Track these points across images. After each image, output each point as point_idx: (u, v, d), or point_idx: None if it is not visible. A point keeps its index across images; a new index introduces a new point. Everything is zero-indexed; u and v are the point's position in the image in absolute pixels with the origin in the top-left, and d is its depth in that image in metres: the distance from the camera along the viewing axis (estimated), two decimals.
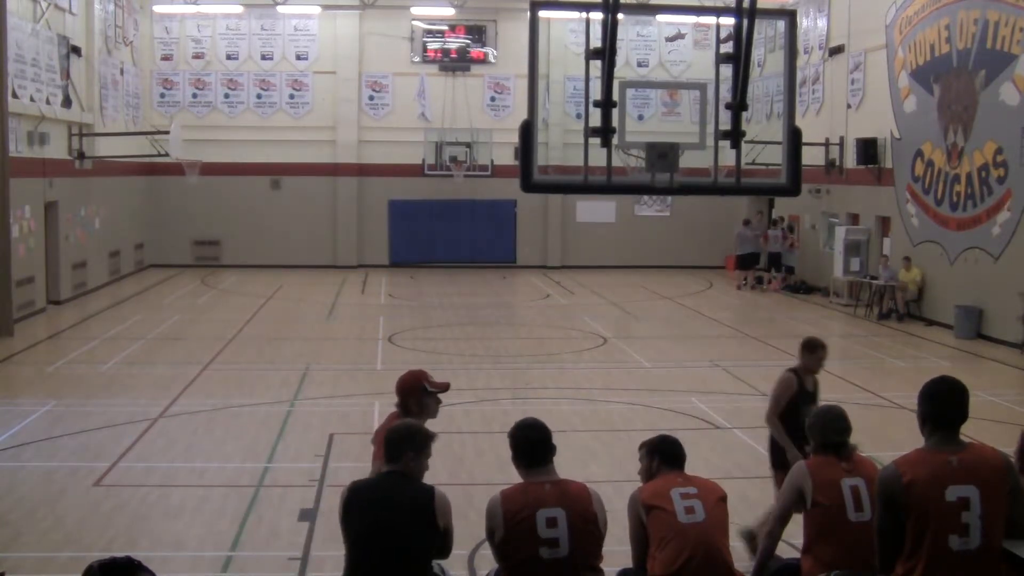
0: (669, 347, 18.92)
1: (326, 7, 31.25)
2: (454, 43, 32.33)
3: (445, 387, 6.35)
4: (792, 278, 27.62)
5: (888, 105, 23.49)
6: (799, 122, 6.72)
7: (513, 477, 5.47)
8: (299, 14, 31.54)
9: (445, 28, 32.32)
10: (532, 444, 5.26)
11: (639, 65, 32.20)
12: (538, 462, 5.22)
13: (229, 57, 31.66)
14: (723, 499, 5.53)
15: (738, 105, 6.30)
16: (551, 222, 32.72)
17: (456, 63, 32.23)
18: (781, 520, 5.61)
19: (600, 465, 10.81)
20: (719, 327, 21.31)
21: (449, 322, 21.68)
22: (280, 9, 31.28)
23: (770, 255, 27.81)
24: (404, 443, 5.27)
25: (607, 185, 6.45)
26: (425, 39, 32.18)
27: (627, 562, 5.69)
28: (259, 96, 31.79)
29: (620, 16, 6.16)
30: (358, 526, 5.10)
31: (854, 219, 25.48)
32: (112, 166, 26.41)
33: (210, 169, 29.14)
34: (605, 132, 6.20)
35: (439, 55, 32.29)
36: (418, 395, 6.21)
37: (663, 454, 5.67)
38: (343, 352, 17.96)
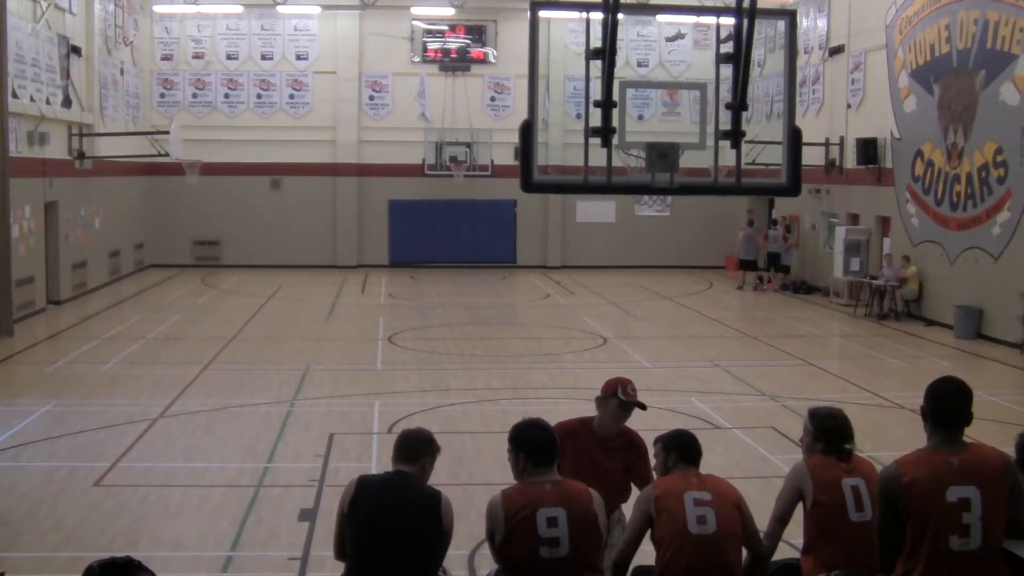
0: (669, 347, 18.91)
1: (326, 7, 31.26)
2: (454, 43, 32.33)
3: (635, 401, 6.39)
4: (788, 278, 27.63)
5: (888, 105, 23.49)
6: (799, 122, 6.71)
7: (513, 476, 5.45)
8: (299, 14, 31.55)
9: (445, 28, 32.33)
10: (542, 445, 5.24)
11: (639, 65, 32.21)
12: (546, 463, 5.22)
13: (229, 57, 31.66)
14: (738, 505, 5.41)
15: (738, 105, 6.29)
16: (551, 222, 32.72)
17: (456, 63, 32.23)
18: (780, 521, 5.61)
19: None
20: (719, 327, 21.31)
21: (449, 322, 21.68)
22: (280, 9, 31.28)
23: (769, 255, 27.81)
24: (423, 448, 5.34)
25: (607, 185, 6.44)
26: (425, 39, 32.18)
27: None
28: (259, 96, 31.80)
29: (620, 16, 6.14)
30: (365, 524, 5.10)
31: (854, 219, 25.48)
32: (112, 166, 26.41)
33: (210, 169, 29.13)
34: (605, 132, 6.19)
35: (439, 55, 32.29)
36: (606, 398, 6.39)
37: (681, 451, 5.60)
38: (343, 352, 17.95)
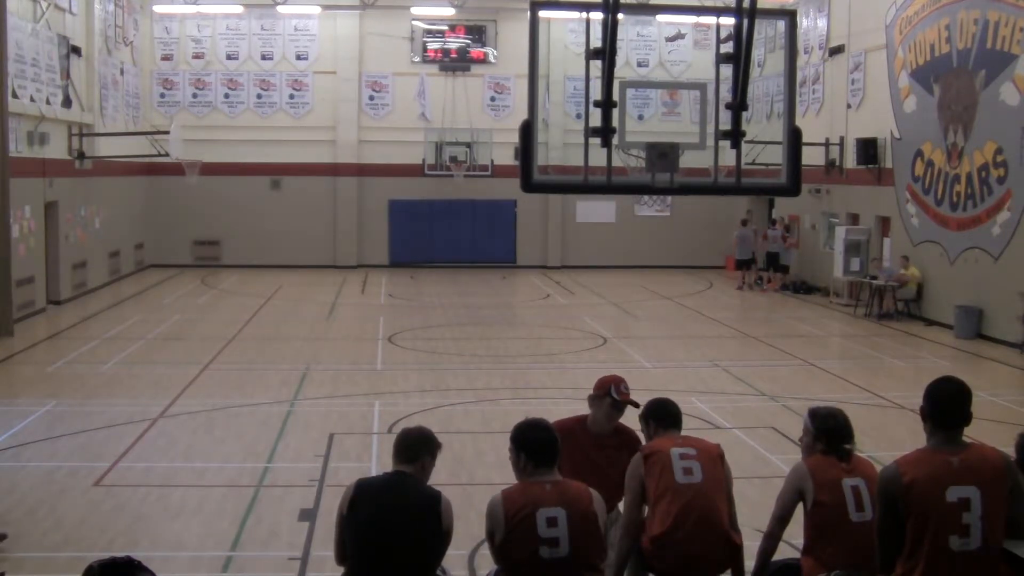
0: (669, 347, 18.91)
1: (326, 7, 31.26)
2: (454, 43, 32.34)
3: (628, 400, 6.45)
4: (788, 278, 27.64)
5: (888, 105, 23.49)
6: (799, 122, 6.71)
7: (513, 477, 5.46)
8: (299, 14, 31.55)
9: (445, 28, 32.33)
10: (544, 445, 5.25)
11: (639, 65, 32.21)
12: (547, 463, 5.22)
13: (229, 57, 31.67)
14: (721, 456, 5.72)
15: (738, 105, 6.29)
16: (551, 222, 32.72)
17: (456, 63, 32.24)
18: (780, 521, 5.61)
19: None
20: (719, 327, 21.31)
21: (449, 322, 21.68)
22: (280, 9, 31.29)
23: (768, 255, 27.82)
24: (424, 447, 5.31)
25: (607, 185, 6.44)
26: (425, 39, 32.18)
27: None
28: (259, 96, 31.80)
29: (620, 16, 6.15)
30: (364, 525, 5.09)
31: (854, 219, 25.48)
32: (112, 166, 26.41)
33: (210, 169, 29.13)
34: (605, 132, 6.19)
35: (439, 55, 32.29)
36: (599, 397, 6.45)
37: (657, 418, 5.93)
38: (343, 352, 17.95)
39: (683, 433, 6.00)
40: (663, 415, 5.94)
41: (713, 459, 5.66)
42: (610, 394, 6.41)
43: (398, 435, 5.44)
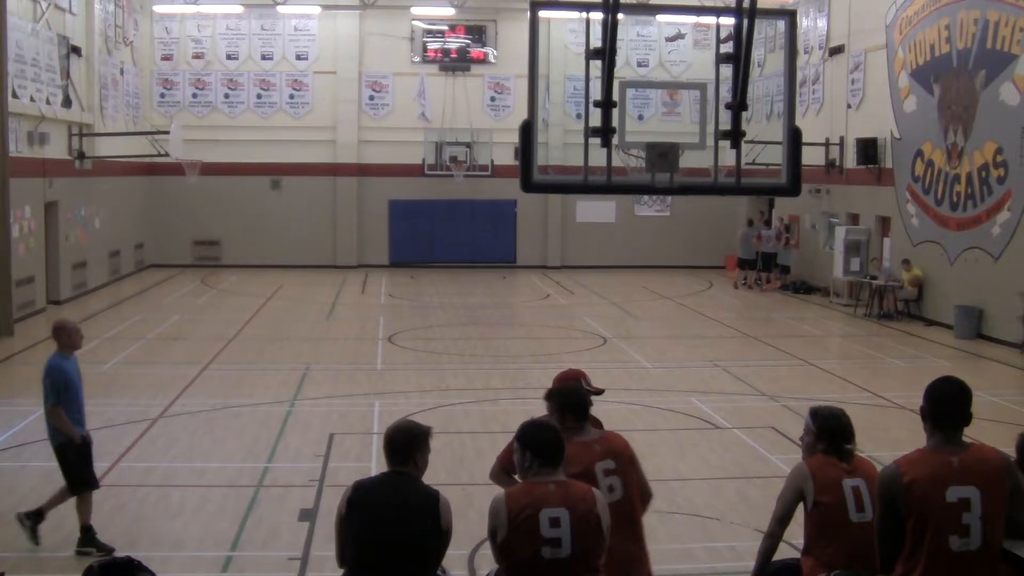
0: (669, 347, 18.91)
1: (326, 7, 31.26)
2: (454, 43, 32.34)
3: (597, 391, 6.44)
4: (787, 278, 27.64)
5: (888, 105, 23.50)
6: (799, 122, 6.72)
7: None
8: (299, 14, 31.55)
9: (445, 28, 32.33)
10: (550, 445, 5.25)
11: (639, 65, 32.21)
12: (552, 463, 5.22)
13: (229, 57, 31.67)
14: (631, 457, 5.73)
15: (738, 105, 6.30)
16: (551, 222, 32.72)
17: (456, 63, 32.24)
18: (781, 521, 5.61)
19: None
20: (719, 327, 21.31)
21: (449, 322, 21.68)
22: (280, 9, 31.28)
23: (764, 255, 27.83)
24: (412, 444, 5.28)
25: (607, 185, 6.45)
26: (425, 39, 32.19)
27: None
28: (259, 96, 31.80)
29: (620, 16, 6.16)
30: (363, 525, 5.08)
31: (854, 219, 25.49)
32: (112, 166, 26.41)
33: (210, 169, 29.13)
34: (605, 132, 6.20)
35: (439, 55, 32.29)
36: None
37: (575, 411, 5.82)
38: (343, 352, 17.96)
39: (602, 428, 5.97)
40: (580, 408, 5.84)
41: (627, 464, 5.71)
42: (581, 387, 6.40)
43: (384, 437, 5.33)
